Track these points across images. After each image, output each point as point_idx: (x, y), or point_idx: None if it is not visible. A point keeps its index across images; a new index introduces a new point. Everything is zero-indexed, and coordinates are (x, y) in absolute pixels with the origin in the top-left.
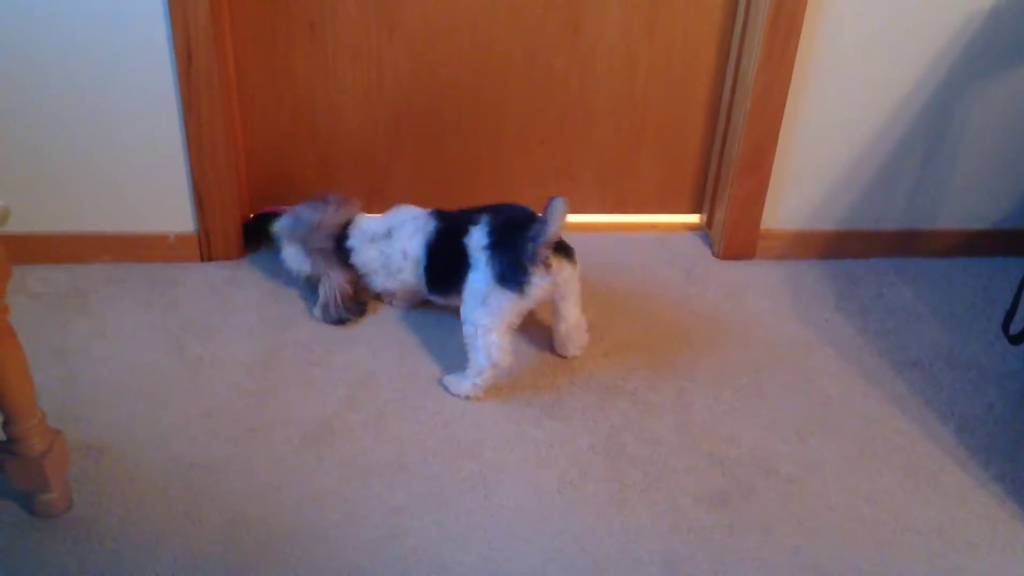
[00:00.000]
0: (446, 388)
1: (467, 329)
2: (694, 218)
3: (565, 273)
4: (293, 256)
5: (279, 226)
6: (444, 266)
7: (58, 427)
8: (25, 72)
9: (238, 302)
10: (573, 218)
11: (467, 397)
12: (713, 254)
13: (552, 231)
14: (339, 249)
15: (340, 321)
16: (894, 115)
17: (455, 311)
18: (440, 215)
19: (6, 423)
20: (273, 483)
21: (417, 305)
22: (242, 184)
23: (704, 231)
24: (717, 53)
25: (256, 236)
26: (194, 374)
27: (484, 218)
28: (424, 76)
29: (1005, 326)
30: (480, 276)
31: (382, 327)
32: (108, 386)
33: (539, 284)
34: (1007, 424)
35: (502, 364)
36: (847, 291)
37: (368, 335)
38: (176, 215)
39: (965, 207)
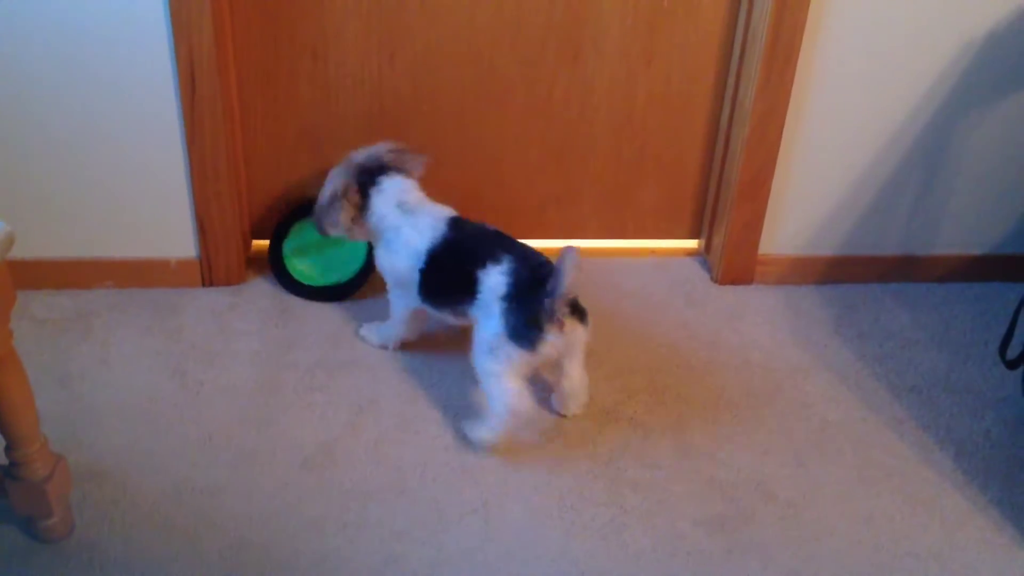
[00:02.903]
0: (465, 434)
1: (480, 376)
2: (693, 243)
3: (577, 334)
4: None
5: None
6: (445, 282)
7: (60, 452)
8: (29, 97)
9: (239, 327)
10: (572, 243)
11: (482, 442)
12: (712, 279)
13: (567, 282)
14: (368, 178)
15: (319, 226)
16: (892, 141)
17: (456, 336)
18: (456, 226)
19: (9, 448)
20: (274, 508)
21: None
22: (244, 211)
23: (703, 256)
24: (715, 80)
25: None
26: (195, 399)
27: (507, 263)
28: (425, 102)
29: (1002, 351)
30: (492, 325)
31: (383, 352)
32: (110, 411)
33: (551, 343)
34: (1005, 449)
35: (522, 410)
36: (845, 316)
37: (370, 360)
38: (178, 241)
39: (962, 233)
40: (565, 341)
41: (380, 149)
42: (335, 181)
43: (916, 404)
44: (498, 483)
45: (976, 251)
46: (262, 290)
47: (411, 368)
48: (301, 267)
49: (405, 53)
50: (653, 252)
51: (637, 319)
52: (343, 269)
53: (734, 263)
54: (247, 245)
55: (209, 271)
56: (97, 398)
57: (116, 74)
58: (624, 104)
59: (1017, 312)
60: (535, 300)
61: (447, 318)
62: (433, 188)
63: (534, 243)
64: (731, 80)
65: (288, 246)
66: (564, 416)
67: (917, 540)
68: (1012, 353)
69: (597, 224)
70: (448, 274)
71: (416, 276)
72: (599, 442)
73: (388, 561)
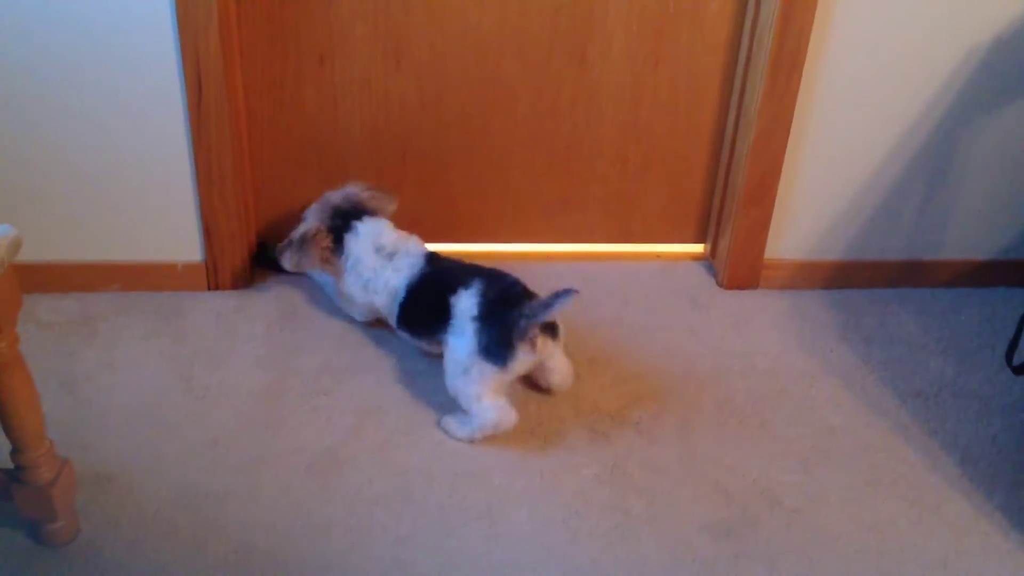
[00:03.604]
0: (445, 431)
1: (457, 398)
2: (698, 248)
3: (548, 350)
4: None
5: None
6: (421, 311)
7: (66, 455)
8: (35, 102)
9: (245, 331)
10: (579, 247)
11: (469, 440)
12: (717, 284)
13: (550, 316)
14: (342, 221)
15: (274, 263)
16: (897, 146)
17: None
18: (432, 260)
19: (15, 452)
20: (279, 512)
21: (370, 322)
22: (250, 214)
23: (708, 261)
24: (721, 85)
25: (265, 260)
26: (201, 403)
27: (476, 285)
28: (431, 107)
29: (1008, 356)
30: (463, 344)
31: (388, 357)
32: (116, 415)
33: (522, 360)
34: (1011, 454)
35: (504, 425)
36: (851, 321)
37: (375, 365)
38: (184, 244)
39: (968, 238)
40: (537, 360)
41: (353, 191)
42: (308, 223)
43: (922, 409)
44: (503, 488)
45: (982, 256)
46: (268, 294)
47: (416, 373)
48: None
49: (411, 58)
50: (659, 256)
51: (642, 323)
52: None
53: (740, 268)
54: (253, 249)
55: (215, 275)
56: (103, 402)
57: (123, 78)
58: (630, 109)
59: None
60: (505, 319)
61: (422, 346)
62: (439, 193)
63: (540, 247)
64: (737, 85)
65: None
66: (550, 393)
67: (923, 546)
68: (1018, 358)
69: (603, 228)
70: (424, 303)
71: (396, 310)
72: (604, 448)
73: (393, 566)
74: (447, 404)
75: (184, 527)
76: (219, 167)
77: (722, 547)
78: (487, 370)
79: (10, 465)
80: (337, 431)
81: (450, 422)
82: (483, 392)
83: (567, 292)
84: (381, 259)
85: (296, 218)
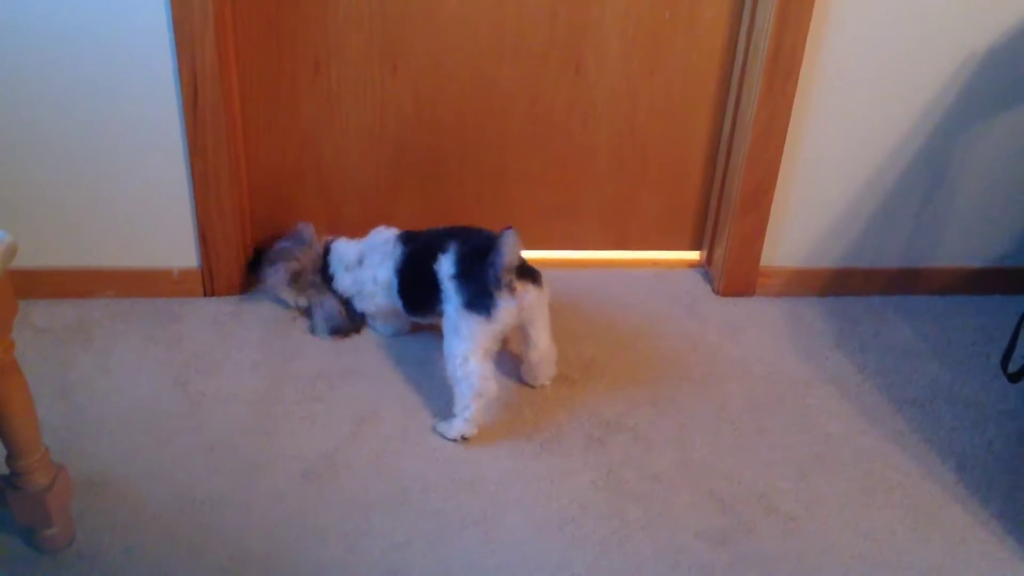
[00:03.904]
0: (441, 435)
1: (448, 366)
2: (694, 255)
3: (531, 295)
4: (288, 296)
5: (269, 281)
6: (417, 289)
7: (61, 462)
8: (32, 108)
9: (241, 337)
10: (575, 254)
11: (462, 438)
12: (713, 291)
13: (505, 261)
14: (325, 276)
15: (339, 331)
16: (893, 153)
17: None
18: (407, 238)
19: (10, 458)
20: (275, 518)
21: (405, 330)
22: (246, 221)
23: (704, 268)
24: (717, 92)
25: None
26: (196, 409)
27: (451, 246)
28: (427, 114)
29: (1004, 364)
30: (451, 306)
31: (384, 362)
32: (111, 421)
33: (505, 307)
34: (1006, 462)
35: (487, 393)
36: (846, 328)
37: (370, 370)
38: (180, 251)
39: (963, 245)
40: (521, 305)
41: (298, 262)
42: (317, 313)
43: (917, 417)
44: (499, 494)
45: (977, 264)
46: (264, 300)
47: (412, 379)
48: None
49: (407, 65)
50: (655, 264)
51: (639, 331)
52: None
53: (736, 275)
54: (249, 255)
55: (211, 281)
56: (98, 408)
57: (119, 84)
58: (626, 116)
59: (1019, 325)
60: (482, 271)
61: (434, 320)
62: (435, 200)
63: (536, 254)
64: (733, 92)
65: None
66: (532, 387)
67: (919, 554)
68: (1014, 366)
69: (599, 235)
70: (417, 281)
71: (398, 300)
72: (600, 454)
73: (389, 572)
74: (443, 410)
75: (180, 533)
76: (215, 173)
77: (718, 554)
78: (474, 323)
79: (5, 471)
80: (333, 437)
81: (442, 425)
82: (472, 350)
83: (504, 233)
84: (356, 271)
85: (293, 224)
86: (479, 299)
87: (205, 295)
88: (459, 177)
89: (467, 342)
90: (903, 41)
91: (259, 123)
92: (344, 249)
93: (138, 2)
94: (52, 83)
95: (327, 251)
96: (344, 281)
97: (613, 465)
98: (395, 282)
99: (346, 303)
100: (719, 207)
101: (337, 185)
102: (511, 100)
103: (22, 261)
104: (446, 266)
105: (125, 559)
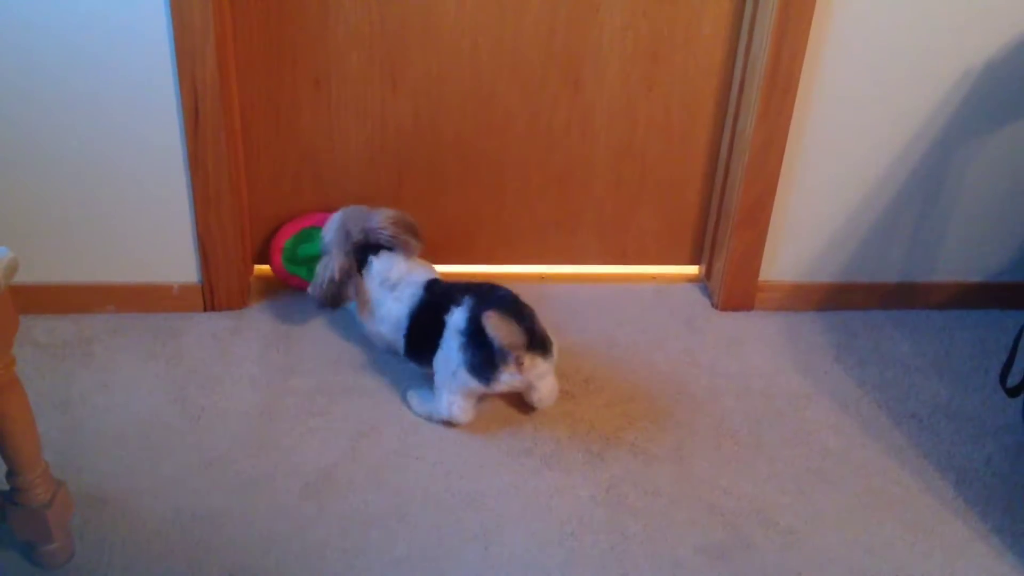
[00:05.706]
0: (408, 404)
1: (437, 378)
2: (693, 270)
3: (539, 370)
4: (332, 227)
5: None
6: (423, 337)
7: (61, 477)
8: (32, 123)
9: (240, 352)
10: (574, 269)
11: (427, 419)
12: (712, 305)
13: (500, 343)
14: (363, 251)
15: (322, 301)
16: (891, 169)
17: None
18: (431, 287)
19: (10, 473)
20: (274, 534)
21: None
22: (246, 236)
23: (703, 283)
24: (715, 107)
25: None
26: (196, 424)
27: (467, 302)
28: (426, 131)
29: (1002, 378)
30: (454, 354)
31: (383, 377)
32: (111, 436)
33: (507, 381)
34: (1005, 476)
35: (458, 422)
36: (845, 343)
37: (370, 385)
38: (180, 266)
39: (962, 260)
40: (526, 377)
41: (375, 226)
42: (334, 261)
43: (916, 431)
44: (499, 510)
45: (976, 278)
46: (264, 315)
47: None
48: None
49: (407, 81)
50: (653, 278)
51: (637, 345)
52: None
53: (734, 289)
54: (249, 270)
55: (211, 296)
56: (98, 423)
57: (120, 100)
58: (624, 131)
59: (1017, 340)
60: (492, 343)
61: (427, 368)
62: (435, 215)
63: (535, 269)
64: (731, 108)
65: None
66: (532, 409)
67: (918, 568)
68: (1012, 380)
69: (597, 250)
70: (426, 329)
71: (402, 341)
72: (600, 469)
73: None
74: (442, 426)
75: (179, 548)
76: (216, 189)
77: (717, 569)
78: (471, 382)
79: (5, 486)
80: (332, 452)
81: (413, 396)
82: (460, 392)
83: (483, 318)
84: (384, 290)
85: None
86: (482, 367)
87: (205, 310)
88: (458, 192)
89: (456, 384)
90: (900, 58)
91: (260, 139)
92: (398, 264)
93: (139, 18)
94: (53, 99)
95: (391, 245)
96: (371, 283)
97: (613, 480)
98: (405, 324)
99: (349, 272)
100: (718, 222)
101: (337, 200)
102: (510, 116)
103: (23, 277)
104: (457, 318)
105: (124, 574)
